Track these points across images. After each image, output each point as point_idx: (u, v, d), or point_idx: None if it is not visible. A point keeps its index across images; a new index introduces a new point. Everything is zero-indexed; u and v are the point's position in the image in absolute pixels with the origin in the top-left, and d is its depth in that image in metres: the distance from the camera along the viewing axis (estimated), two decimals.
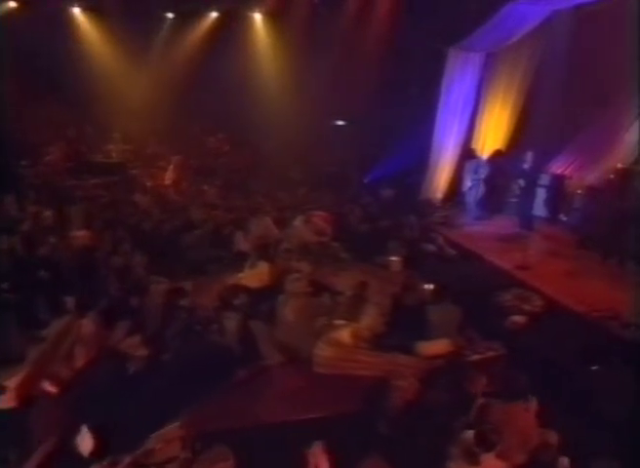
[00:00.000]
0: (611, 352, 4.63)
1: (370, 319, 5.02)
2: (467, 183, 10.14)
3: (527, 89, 10.72)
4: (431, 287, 6.33)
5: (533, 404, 3.59)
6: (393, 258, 7.69)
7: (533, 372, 4.08)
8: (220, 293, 5.22)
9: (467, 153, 10.32)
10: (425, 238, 8.83)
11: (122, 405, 3.90)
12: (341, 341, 4.72)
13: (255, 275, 6.19)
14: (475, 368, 4.28)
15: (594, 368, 4.39)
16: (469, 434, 3.29)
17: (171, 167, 12.44)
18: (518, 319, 5.62)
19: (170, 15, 13.87)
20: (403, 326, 5.08)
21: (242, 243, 7.94)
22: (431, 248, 8.46)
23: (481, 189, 10.44)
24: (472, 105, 10.88)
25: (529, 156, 9.27)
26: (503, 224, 9.75)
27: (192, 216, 9.07)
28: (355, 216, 9.39)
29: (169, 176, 12.31)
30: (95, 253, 6.61)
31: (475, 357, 4.44)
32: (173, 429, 3.49)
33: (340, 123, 14.90)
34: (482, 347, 4.64)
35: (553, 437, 3.47)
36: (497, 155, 10.14)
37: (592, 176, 9.48)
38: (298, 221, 8.32)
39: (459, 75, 10.42)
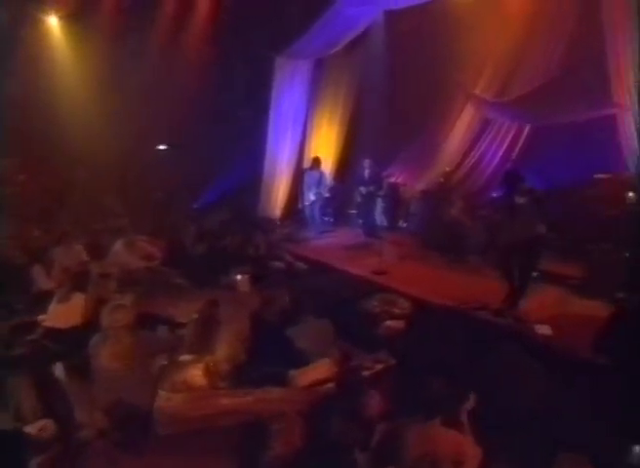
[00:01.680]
0: (498, 341, 4.24)
1: (227, 347, 3.85)
2: (310, 197, 9.62)
3: (352, 104, 10.85)
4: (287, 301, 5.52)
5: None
6: (240, 277, 6.71)
7: (429, 378, 3.39)
8: None
9: (311, 164, 9.83)
10: (271, 255, 8.07)
11: None
12: (192, 383, 3.44)
13: (65, 311, 4.54)
14: (368, 386, 3.44)
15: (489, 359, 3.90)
16: None
17: None
18: (392, 324, 5.07)
19: None
20: (269, 351, 4.02)
21: (43, 279, 6.07)
22: (279, 264, 7.74)
23: (324, 201, 10.13)
24: (304, 118, 10.58)
25: (367, 164, 9.16)
26: (349, 235, 9.57)
27: None
28: (190, 238, 8.11)
29: None
30: None
31: (365, 373, 3.60)
32: None
33: (163, 147, 13.54)
34: (368, 361, 3.83)
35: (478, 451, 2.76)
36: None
37: (424, 182, 9.81)
38: (118, 246, 6.76)
39: (288, 86, 10.02)
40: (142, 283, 6.12)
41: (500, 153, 8.93)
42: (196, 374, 3.42)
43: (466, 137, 9.23)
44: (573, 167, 7.47)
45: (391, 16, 9.25)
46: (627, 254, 5.49)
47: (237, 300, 5.89)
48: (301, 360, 4.02)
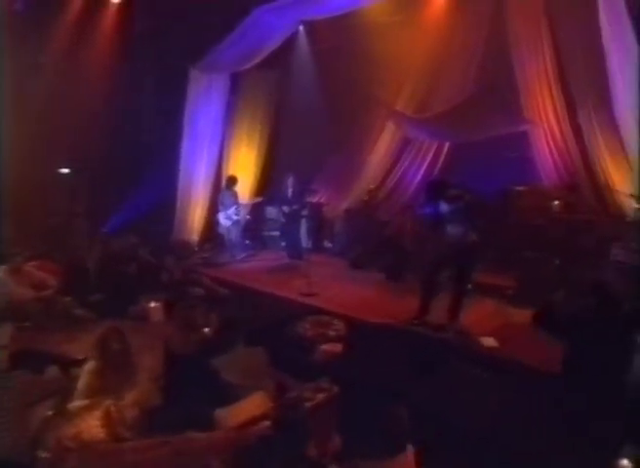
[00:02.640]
0: (443, 356, 3.90)
1: (135, 388, 3.12)
2: (232, 216, 8.95)
3: (271, 122, 10.50)
4: (209, 331, 4.88)
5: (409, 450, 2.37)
6: (152, 305, 5.95)
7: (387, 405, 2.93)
8: None
9: (226, 183, 9.20)
10: (188, 280, 7.32)
11: None
12: (86, 437, 2.66)
13: None
14: (311, 419, 2.88)
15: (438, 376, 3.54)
16: None
17: None
18: (328, 347, 4.58)
19: None
20: (190, 388, 3.34)
21: None
22: (197, 290, 7.00)
23: (244, 224, 9.55)
24: (221, 136, 9.99)
25: (290, 182, 8.74)
26: (271, 258, 9.02)
27: None
28: (93, 263, 7.13)
29: None
30: None
31: (306, 405, 3.05)
32: None
33: (66, 171, 12.24)
34: (308, 390, 3.27)
35: None
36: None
37: (347, 200, 9.58)
38: (1, 273, 5.70)
39: (203, 101, 9.39)
40: (31, 315, 5.17)
41: (423, 170, 8.93)
42: (92, 425, 2.66)
43: (389, 154, 9.15)
44: (493, 181, 7.57)
45: (310, 32, 9.09)
46: (557, 262, 5.48)
47: (149, 331, 5.13)
48: (230, 395, 3.38)
